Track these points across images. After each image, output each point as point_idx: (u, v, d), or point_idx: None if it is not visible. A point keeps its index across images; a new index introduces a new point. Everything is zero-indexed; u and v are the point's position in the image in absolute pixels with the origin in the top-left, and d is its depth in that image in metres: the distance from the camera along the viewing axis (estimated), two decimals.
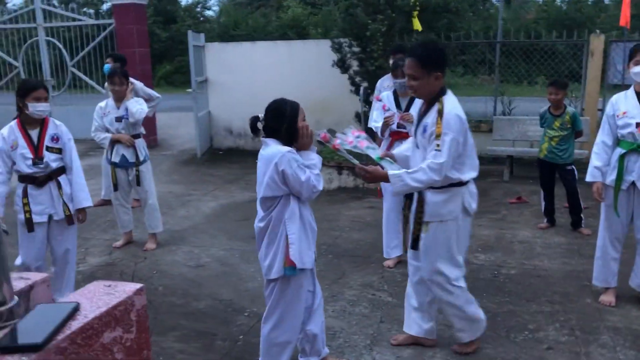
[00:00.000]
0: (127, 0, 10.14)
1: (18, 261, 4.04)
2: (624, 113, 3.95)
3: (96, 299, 1.26)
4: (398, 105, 4.69)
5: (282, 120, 2.87)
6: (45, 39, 11.12)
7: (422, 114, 3.20)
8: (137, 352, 1.30)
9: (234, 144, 10.56)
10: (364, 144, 3.13)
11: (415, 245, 3.32)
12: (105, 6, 24.41)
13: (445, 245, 3.21)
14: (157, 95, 6.65)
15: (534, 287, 4.38)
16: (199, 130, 9.82)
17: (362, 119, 7.72)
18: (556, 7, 22.87)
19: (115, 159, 5.25)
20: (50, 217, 3.99)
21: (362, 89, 7.63)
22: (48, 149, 3.91)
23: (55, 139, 3.96)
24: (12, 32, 12.24)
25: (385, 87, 5.36)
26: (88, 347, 1.15)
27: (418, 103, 3.38)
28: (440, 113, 3.01)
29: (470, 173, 3.18)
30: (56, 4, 20.00)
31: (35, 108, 3.79)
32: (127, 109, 5.23)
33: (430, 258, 3.26)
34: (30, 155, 3.86)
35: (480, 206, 6.55)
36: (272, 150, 2.84)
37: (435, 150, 2.98)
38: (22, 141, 3.85)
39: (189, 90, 9.89)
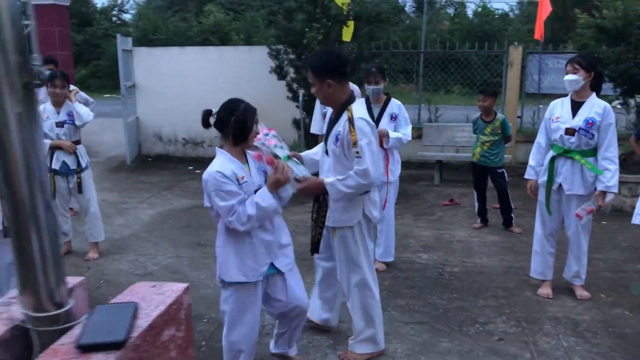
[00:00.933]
0: (49, 1, 9.68)
1: None
2: (557, 118, 4.27)
3: (148, 298, 1.27)
4: (370, 112, 4.75)
5: (232, 113, 2.83)
6: None
7: (333, 122, 3.24)
8: (185, 349, 1.32)
9: (164, 151, 10.34)
10: (272, 142, 3.06)
11: (316, 249, 3.35)
12: None
13: (353, 251, 3.28)
14: (92, 99, 6.46)
15: (478, 284, 4.65)
16: (128, 136, 9.53)
17: (301, 125, 7.81)
18: (467, 19, 24.16)
19: (56, 165, 5.00)
20: None
21: (301, 94, 7.73)
22: None
23: None
24: None
25: None
26: (152, 345, 1.16)
27: (330, 111, 3.36)
28: (351, 121, 3.04)
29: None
30: None
31: None
32: (68, 114, 5.02)
33: (341, 263, 3.34)
34: None
35: (417, 208, 6.96)
36: (211, 165, 2.83)
37: (356, 157, 3.03)
38: None
39: (107, 95, 9.59)
